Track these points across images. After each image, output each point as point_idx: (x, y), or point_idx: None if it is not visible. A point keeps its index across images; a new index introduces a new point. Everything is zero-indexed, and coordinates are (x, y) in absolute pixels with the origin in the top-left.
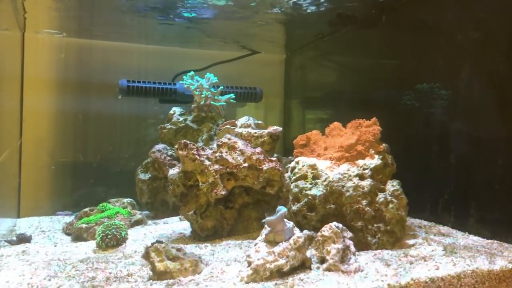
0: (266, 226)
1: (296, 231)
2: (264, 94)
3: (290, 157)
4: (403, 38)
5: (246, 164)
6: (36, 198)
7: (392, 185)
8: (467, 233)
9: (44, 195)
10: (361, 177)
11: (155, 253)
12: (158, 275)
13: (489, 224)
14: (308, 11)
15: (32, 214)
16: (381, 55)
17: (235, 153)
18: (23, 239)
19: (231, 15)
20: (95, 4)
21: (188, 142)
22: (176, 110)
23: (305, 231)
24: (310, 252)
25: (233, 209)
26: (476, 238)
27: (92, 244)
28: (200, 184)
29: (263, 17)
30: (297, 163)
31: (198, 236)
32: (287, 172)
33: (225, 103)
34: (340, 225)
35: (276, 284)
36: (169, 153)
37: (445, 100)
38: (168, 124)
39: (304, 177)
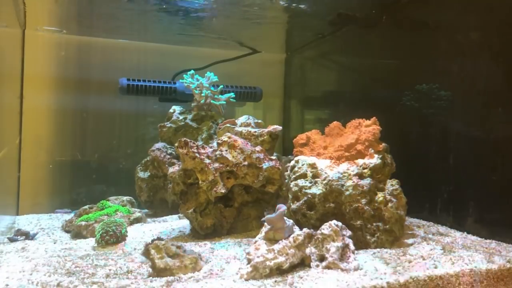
0: (266, 224)
1: (296, 229)
2: (264, 94)
3: (289, 156)
4: (403, 38)
5: (246, 163)
6: (35, 196)
7: (391, 185)
8: (465, 233)
9: (43, 193)
10: (361, 176)
11: (155, 250)
12: (157, 272)
13: (488, 224)
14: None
15: (31, 212)
16: (381, 55)
17: (235, 151)
18: (23, 234)
19: (232, 13)
20: (95, 1)
21: (189, 140)
22: (176, 108)
23: (305, 229)
24: (310, 250)
25: (232, 208)
26: (474, 237)
27: (91, 241)
28: (200, 182)
29: (264, 15)
30: (297, 162)
31: (198, 234)
32: (286, 171)
33: (225, 102)
34: (340, 224)
35: (275, 281)
36: (169, 151)
37: (444, 100)
38: (168, 122)
39: (303, 176)
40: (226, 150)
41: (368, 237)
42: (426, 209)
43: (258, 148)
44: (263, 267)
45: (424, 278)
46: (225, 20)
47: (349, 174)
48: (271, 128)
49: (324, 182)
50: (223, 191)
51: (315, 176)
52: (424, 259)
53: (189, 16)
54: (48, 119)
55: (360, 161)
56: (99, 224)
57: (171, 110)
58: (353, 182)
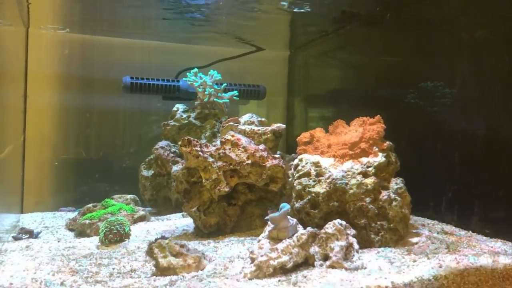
0: (269, 223)
1: (300, 228)
2: (267, 92)
3: (293, 154)
4: (408, 36)
5: (249, 161)
6: (39, 194)
7: (395, 183)
8: (470, 232)
9: (47, 191)
10: (365, 174)
11: (159, 249)
12: (161, 271)
13: (493, 223)
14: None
15: (35, 210)
16: (385, 53)
17: (239, 150)
18: (27, 232)
19: (235, 11)
20: (99, 0)
21: (192, 138)
22: (179, 107)
23: (309, 228)
24: (313, 249)
25: (236, 206)
26: (479, 236)
27: (95, 240)
28: (203, 180)
29: (267, 13)
30: (301, 160)
31: (201, 232)
32: (290, 169)
33: (228, 100)
34: (344, 223)
35: (279, 280)
36: (172, 149)
37: (449, 98)
38: (171, 121)
39: (307, 175)
40: (230, 149)
41: (372, 236)
42: (430, 207)
43: (261, 146)
44: (267, 266)
45: (429, 278)
46: (228, 18)
47: (353, 173)
48: (274, 126)
49: (328, 180)
50: (226, 189)
51: (319, 174)
52: (428, 258)
53: (192, 14)
54: (52, 118)
55: (364, 160)
56: (103, 222)
57: (174, 108)
58: (357, 180)
